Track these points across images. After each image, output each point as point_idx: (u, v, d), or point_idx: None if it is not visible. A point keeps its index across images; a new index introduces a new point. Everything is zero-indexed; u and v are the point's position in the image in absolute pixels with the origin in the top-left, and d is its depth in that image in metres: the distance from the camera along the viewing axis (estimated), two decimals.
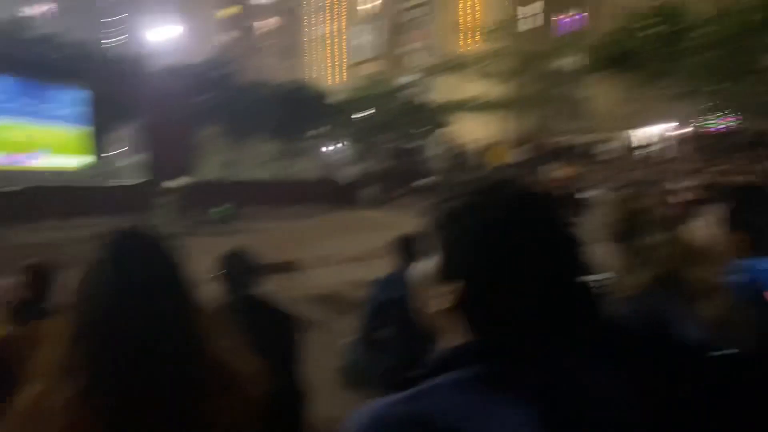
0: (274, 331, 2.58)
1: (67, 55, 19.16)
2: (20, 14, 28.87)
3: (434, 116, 29.93)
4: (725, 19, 17.57)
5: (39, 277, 3.16)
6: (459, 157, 25.48)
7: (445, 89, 36.06)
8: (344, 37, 45.37)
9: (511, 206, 0.93)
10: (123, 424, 1.08)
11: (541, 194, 0.97)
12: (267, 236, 11.65)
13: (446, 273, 0.93)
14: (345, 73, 44.39)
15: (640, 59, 20.46)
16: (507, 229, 0.91)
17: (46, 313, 3.05)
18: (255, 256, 2.86)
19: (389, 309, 2.94)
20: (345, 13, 45.20)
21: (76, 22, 72.57)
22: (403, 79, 38.63)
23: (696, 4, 20.13)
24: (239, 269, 2.74)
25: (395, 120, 28.40)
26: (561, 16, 40.28)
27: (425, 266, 0.98)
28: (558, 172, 20.58)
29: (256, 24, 62.42)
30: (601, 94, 36.44)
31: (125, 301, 1.11)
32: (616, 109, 36.53)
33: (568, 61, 33.29)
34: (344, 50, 45.39)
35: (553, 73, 34.49)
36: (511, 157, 23.97)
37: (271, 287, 2.98)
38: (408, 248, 3.10)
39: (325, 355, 3.55)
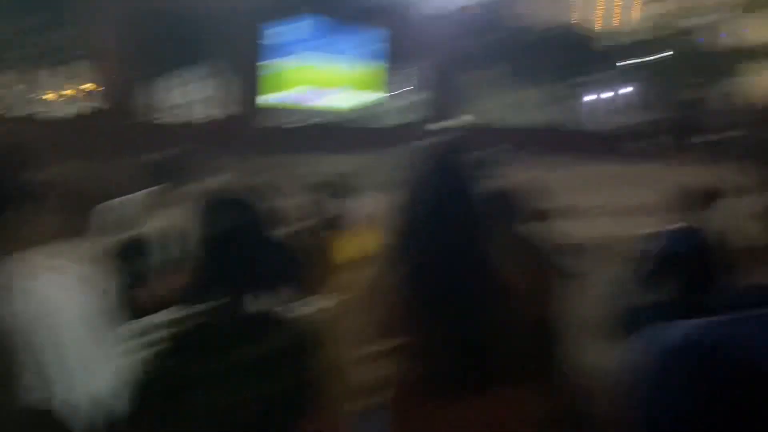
0: (541, 269, 2.64)
1: None
2: None
3: (731, 63, 26.11)
4: None
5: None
6: (760, 113, 21.89)
7: (754, 32, 31.05)
8: None
9: None
10: (428, 314, 1.25)
11: None
12: (527, 183, 11.50)
13: None
14: (622, 15, 40.81)
15: None
16: None
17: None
18: (523, 198, 2.91)
19: (678, 262, 2.96)
20: None
21: None
22: (695, 21, 34.05)
23: None
24: (507, 207, 2.82)
25: (679, 66, 25.52)
26: None
27: (738, 205, 0.94)
28: None
29: None
30: None
31: (441, 207, 1.29)
32: None
33: None
34: None
35: None
36: None
37: (532, 233, 2.99)
38: (706, 201, 3.12)
39: (582, 304, 3.48)
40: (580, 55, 24.41)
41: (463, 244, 1.29)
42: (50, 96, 22.58)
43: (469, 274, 1.27)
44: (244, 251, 1.32)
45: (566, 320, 2.79)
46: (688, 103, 24.87)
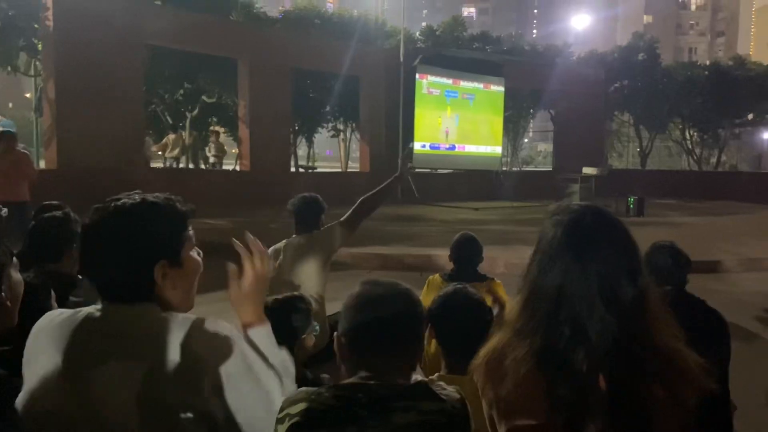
0: (706, 331, 2.43)
1: (494, 50, 20.99)
2: (459, 14, 32.27)
3: None
4: None
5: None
6: None
7: None
8: None
9: None
10: (566, 387, 1.12)
11: None
12: (682, 231, 10.88)
13: None
14: None
15: None
16: None
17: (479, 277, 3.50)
18: (684, 251, 2.75)
19: None
20: None
21: (500, 19, 78.82)
22: None
23: None
24: (669, 262, 2.67)
25: None
26: None
27: None
28: None
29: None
30: None
31: (581, 274, 1.16)
32: None
33: None
34: None
35: None
36: None
37: (696, 286, 2.83)
38: None
39: (751, 368, 3.20)
40: (745, 91, 22.64)
41: (622, 305, 1.15)
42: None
43: (628, 343, 1.13)
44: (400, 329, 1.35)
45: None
46: None
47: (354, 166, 22.29)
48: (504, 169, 21.35)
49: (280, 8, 21.23)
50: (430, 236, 9.49)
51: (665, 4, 58.16)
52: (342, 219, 3.73)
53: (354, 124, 20.64)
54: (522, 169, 26.29)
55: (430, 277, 3.48)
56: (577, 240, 1.19)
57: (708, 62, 27.83)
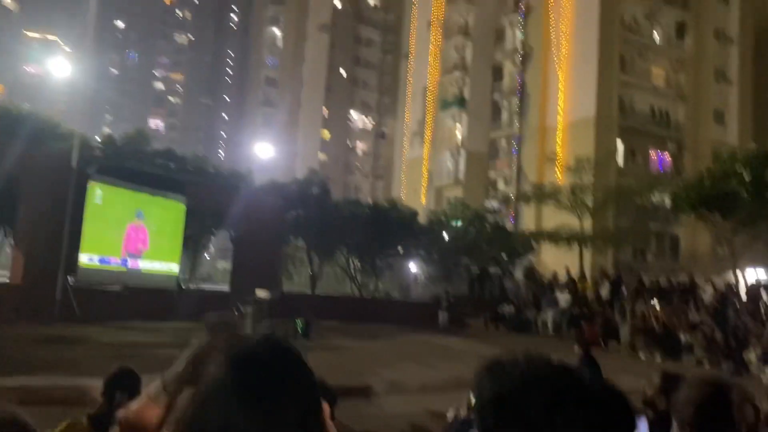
0: None
1: (175, 167, 21.06)
2: (145, 126, 31.76)
3: (519, 243, 30.03)
4: None
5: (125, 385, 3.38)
6: (543, 288, 25.05)
7: (532, 218, 36.30)
8: (427, 163, 47.23)
9: (555, 403, 0.92)
10: None
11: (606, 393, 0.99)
12: (343, 355, 11.81)
13: None
14: (429, 197, 45.55)
15: (734, 202, 19.95)
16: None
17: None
18: (330, 388, 2.97)
19: None
20: (431, 140, 47.35)
21: (188, 136, 79.93)
22: (488, 205, 39.46)
23: None
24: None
25: (478, 244, 28.64)
26: (656, 152, 40.26)
27: None
28: (648, 311, 19.75)
29: (358, 144, 66.99)
30: (694, 234, 35.59)
31: (243, 421, 0.97)
32: (710, 251, 35.21)
33: (660, 198, 33.18)
34: (427, 174, 46.96)
35: (644, 209, 34.13)
36: (595, 291, 23.31)
37: (347, 414, 3.05)
38: None
39: None
40: (394, 229, 26.46)
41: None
42: None
43: None
44: None
45: None
46: (491, 278, 27.65)
47: (4, 275, 19.31)
48: (182, 286, 20.75)
49: None
50: (88, 363, 8.58)
51: (337, 146, 66.10)
52: None
53: (7, 229, 18.17)
54: (200, 287, 25.83)
55: (71, 421, 3.08)
56: (244, 381, 1.00)
57: (370, 201, 32.09)
